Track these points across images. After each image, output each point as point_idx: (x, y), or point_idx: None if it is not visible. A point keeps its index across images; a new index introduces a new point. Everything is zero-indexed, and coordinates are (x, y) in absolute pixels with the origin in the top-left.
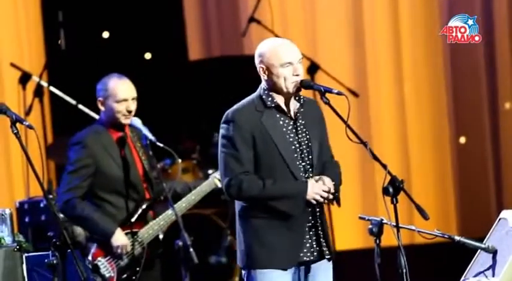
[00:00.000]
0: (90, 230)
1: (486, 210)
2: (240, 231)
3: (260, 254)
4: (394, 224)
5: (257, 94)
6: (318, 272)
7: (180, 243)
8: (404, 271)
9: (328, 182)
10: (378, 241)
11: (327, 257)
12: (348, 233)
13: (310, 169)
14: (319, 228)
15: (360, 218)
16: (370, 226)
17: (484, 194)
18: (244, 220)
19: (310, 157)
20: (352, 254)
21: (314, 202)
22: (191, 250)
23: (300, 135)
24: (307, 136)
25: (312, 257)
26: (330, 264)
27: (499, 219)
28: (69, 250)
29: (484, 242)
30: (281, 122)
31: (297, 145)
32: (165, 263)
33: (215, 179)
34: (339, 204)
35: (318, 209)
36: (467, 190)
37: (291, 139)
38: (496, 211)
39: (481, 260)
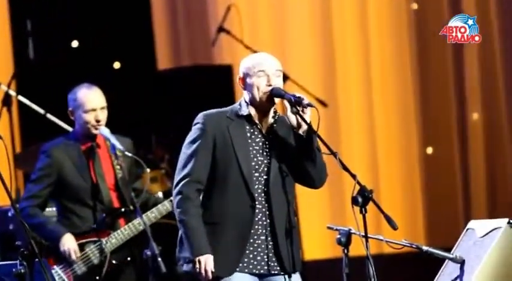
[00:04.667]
0: (41, 235)
1: (454, 220)
2: None
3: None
4: (363, 234)
5: (234, 105)
6: None
7: (149, 252)
8: (372, 280)
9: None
10: (346, 251)
11: (272, 272)
12: (316, 243)
13: (267, 184)
14: (272, 243)
15: (328, 228)
16: (339, 236)
17: (451, 204)
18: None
19: (268, 173)
20: (320, 264)
21: None
22: (159, 259)
23: (266, 150)
24: (271, 153)
25: (261, 271)
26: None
27: (467, 229)
28: (36, 259)
29: (451, 252)
30: (249, 134)
31: (261, 158)
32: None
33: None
34: None
35: (276, 230)
36: (435, 200)
37: (254, 151)
38: (463, 221)
39: (449, 270)
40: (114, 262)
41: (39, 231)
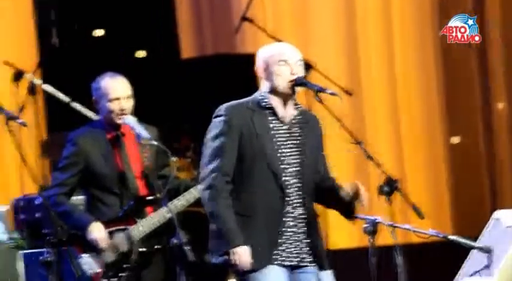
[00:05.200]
0: (68, 224)
1: (480, 209)
2: None
3: None
4: (389, 223)
5: (254, 95)
6: (311, 278)
7: (175, 241)
8: (400, 270)
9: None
10: (372, 240)
11: (303, 264)
12: (343, 232)
13: (299, 175)
14: (302, 234)
15: (355, 217)
16: (365, 225)
17: (478, 193)
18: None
19: (298, 161)
20: (347, 253)
21: None
22: (186, 247)
23: (290, 141)
24: (299, 142)
25: (293, 262)
26: (326, 272)
27: (493, 219)
28: (64, 247)
29: (478, 241)
30: (271, 125)
31: (285, 150)
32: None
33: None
34: None
35: (304, 221)
36: (462, 189)
37: (278, 143)
38: (490, 210)
39: (476, 259)
40: (142, 250)
41: (65, 219)
